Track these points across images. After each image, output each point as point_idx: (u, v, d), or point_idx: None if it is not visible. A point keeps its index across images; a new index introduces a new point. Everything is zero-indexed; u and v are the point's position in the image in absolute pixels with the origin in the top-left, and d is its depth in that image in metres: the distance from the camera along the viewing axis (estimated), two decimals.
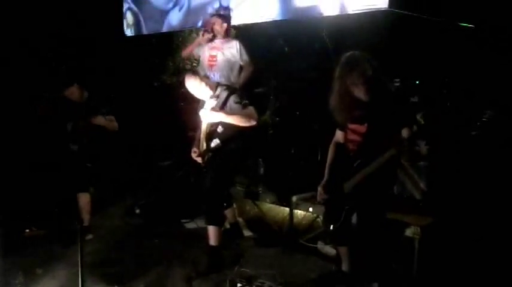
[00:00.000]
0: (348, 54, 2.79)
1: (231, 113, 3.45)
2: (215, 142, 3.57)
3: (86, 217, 4.19)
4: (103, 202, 4.72)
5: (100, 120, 4.14)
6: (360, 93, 2.71)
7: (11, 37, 5.04)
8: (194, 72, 3.65)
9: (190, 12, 5.40)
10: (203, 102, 3.62)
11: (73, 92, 4.19)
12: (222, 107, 3.49)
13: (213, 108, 3.46)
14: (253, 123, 3.47)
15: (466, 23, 3.71)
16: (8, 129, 4.61)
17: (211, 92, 3.55)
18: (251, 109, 3.48)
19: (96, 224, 4.35)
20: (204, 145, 3.57)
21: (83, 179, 4.20)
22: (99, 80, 5.31)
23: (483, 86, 3.69)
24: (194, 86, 3.53)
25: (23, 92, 4.91)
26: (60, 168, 4.17)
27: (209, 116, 3.48)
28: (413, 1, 3.76)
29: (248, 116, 3.44)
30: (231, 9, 4.81)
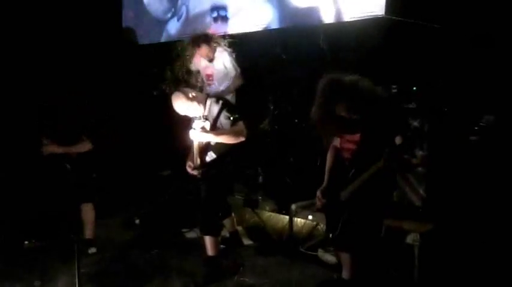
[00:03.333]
0: (327, 79, 2.67)
1: (219, 132, 3.43)
2: (210, 156, 3.54)
3: (88, 230, 4.17)
4: (102, 213, 4.69)
5: (54, 149, 4.02)
6: (348, 114, 2.62)
7: (6, 43, 5.07)
8: (181, 91, 3.53)
9: (189, 21, 5.44)
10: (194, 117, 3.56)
11: None
12: (214, 123, 3.46)
13: (202, 129, 3.40)
14: (242, 139, 3.45)
15: (463, 29, 3.72)
16: (6, 137, 4.61)
17: (201, 109, 3.47)
18: (240, 125, 3.46)
19: (95, 235, 4.33)
20: (198, 160, 3.53)
21: (86, 190, 4.16)
22: (98, 90, 5.34)
23: (480, 91, 3.69)
24: (184, 105, 3.45)
25: (23, 98, 4.93)
26: (57, 182, 4.15)
27: (199, 136, 3.44)
28: (410, 8, 3.77)
29: (237, 133, 3.43)
30: (228, 18, 4.84)
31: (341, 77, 2.67)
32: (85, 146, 4.07)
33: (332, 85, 2.66)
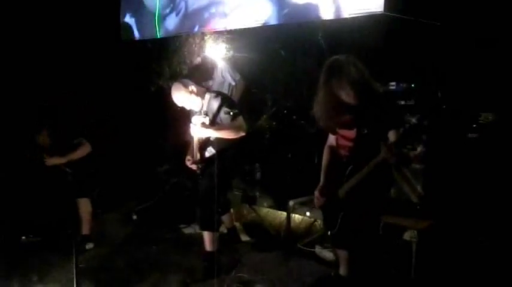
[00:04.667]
0: (332, 59, 2.71)
1: (220, 127, 3.42)
2: (209, 151, 3.54)
3: (85, 225, 4.16)
4: (100, 208, 4.70)
5: (58, 160, 4.03)
6: (347, 98, 2.64)
7: (6, 43, 5.04)
8: (181, 82, 3.52)
9: (187, 17, 5.40)
10: (193, 111, 3.57)
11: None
12: (213, 118, 3.45)
13: (202, 124, 3.40)
14: (242, 134, 3.45)
15: (462, 26, 3.72)
16: (5, 137, 4.59)
17: (199, 102, 3.49)
18: (240, 120, 3.45)
19: (92, 230, 4.33)
20: (198, 155, 3.54)
21: (82, 186, 4.15)
22: (96, 87, 5.32)
23: (479, 89, 3.69)
24: (182, 97, 3.46)
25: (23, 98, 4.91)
26: (55, 178, 4.14)
27: (199, 132, 3.44)
28: (409, 5, 3.76)
29: (237, 128, 3.42)
30: (226, 13, 4.82)
31: (341, 56, 2.69)
32: (85, 150, 4.08)
33: (332, 64, 2.68)
